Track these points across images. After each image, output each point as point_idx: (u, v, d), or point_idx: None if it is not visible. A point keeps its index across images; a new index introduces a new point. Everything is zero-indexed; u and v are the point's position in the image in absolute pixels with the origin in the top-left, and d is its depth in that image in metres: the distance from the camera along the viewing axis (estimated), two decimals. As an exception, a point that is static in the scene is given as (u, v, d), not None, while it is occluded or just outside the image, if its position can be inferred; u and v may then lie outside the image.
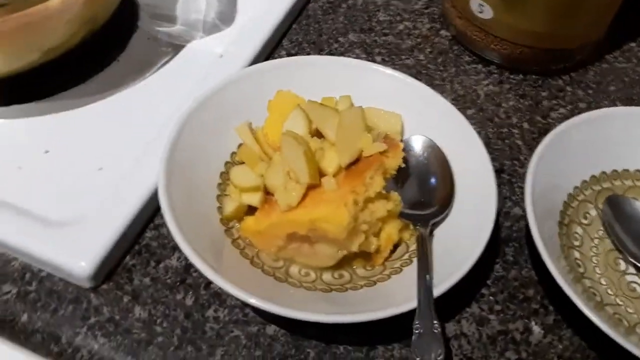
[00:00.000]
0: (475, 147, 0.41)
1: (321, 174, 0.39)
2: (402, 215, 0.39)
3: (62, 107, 0.45)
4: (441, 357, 0.31)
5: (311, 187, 0.38)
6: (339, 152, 0.38)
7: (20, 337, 0.37)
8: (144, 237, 0.41)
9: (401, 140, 0.43)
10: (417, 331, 0.32)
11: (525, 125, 0.50)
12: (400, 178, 0.41)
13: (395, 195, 0.40)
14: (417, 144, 0.43)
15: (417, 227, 0.39)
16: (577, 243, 0.42)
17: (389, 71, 0.45)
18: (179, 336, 0.37)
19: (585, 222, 0.43)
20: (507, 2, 0.49)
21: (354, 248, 0.37)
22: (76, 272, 0.37)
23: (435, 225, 0.40)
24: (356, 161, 0.39)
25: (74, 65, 0.45)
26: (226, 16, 0.53)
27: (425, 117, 0.44)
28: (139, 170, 0.41)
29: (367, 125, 0.42)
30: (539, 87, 0.53)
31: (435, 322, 0.32)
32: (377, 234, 0.39)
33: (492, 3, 0.50)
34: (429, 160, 0.42)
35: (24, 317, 0.37)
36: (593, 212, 0.43)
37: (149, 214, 0.41)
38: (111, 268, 0.39)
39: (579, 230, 0.42)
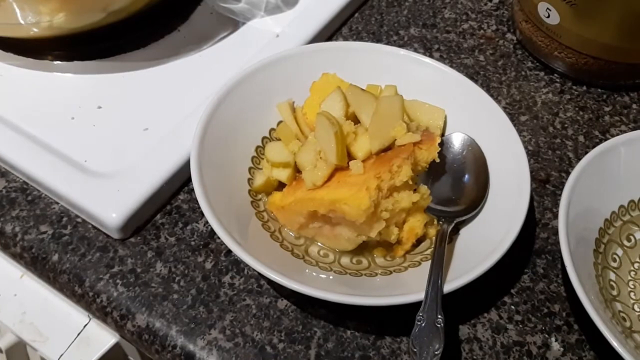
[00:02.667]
0: (516, 154, 0.40)
1: (351, 157, 0.39)
2: (427, 209, 0.39)
3: (119, 68, 0.47)
4: (439, 352, 0.30)
5: (339, 169, 0.38)
6: (371, 138, 0.38)
7: (50, 275, 0.40)
8: (177, 198, 0.42)
9: (442, 136, 0.42)
10: (419, 323, 0.32)
11: (581, 138, 0.48)
12: (433, 173, 0.40)
13: (423, 188, 0.39)
14: (458, 141, 0.42)
15: (441, 222, 0.38)
16: (614, 264, 0.39)
17: (438, 65, 0.44)
18: (193, 296, 0.38)
19: (627, 244, 0.40)
20: (577, 9, 0.47)
21: (372, 234, 0.36)
22: (107, 222, 0.39)
23: (462, 224, 0.39)
24: (388, 149, 0.39)
25: (136, 29, 0.47)
26: (290, -1, 0.53)
27: (470, 116, 0.43)
28: (179, 135, 0.42)
29: (406, 115, 0.42)
30: (602, 101, 0.50)
31: (439, 316, 0.32)
32: (400, 225, 0.38)
33: (560, 8, 0.48)
34: (466, 158, 0.41)
35: (55, 257, 0.39)
36: (638, 235, 0.41)
37: (185, 177, 0.42)
38: (141, 223, 0.41)
39: (619, 251, 0.40)
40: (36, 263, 0.40)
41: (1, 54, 0.48)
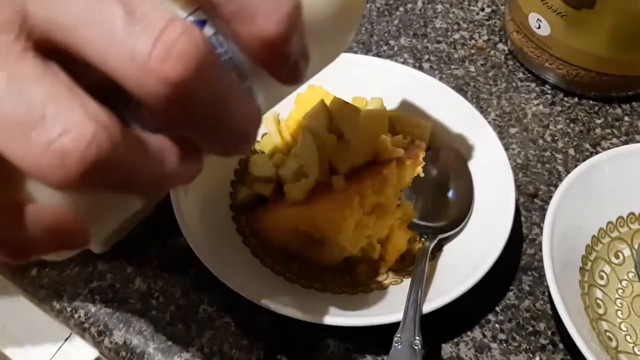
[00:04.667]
0: (502, 169, 0.39)
1: (334, 171, 0.38)
2: (411, 225, 0.38)
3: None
4: (416, 375, 0.30)
5: (322, 185, 0.38)
6: (354, 152, 0.38)
7: (29, 289, 0.39)
8: (158, 213, 0.42)
9: (427, 150, 0.42)
10: (396, 344, 0.31)
11: (571, 151, 0.47)
12: (418, 188, 0.40)
13: (407, 204, 0.38)
14: (443, 156, 0.41)
15: (423, 239, 0.37)
16: (601, 282, 0.39)
17: (425, 78, 0.44)
18: (172, 312, 0.37)
19: (616, 261, 0.40)
20: (567, 20, 0.46)
21: (354, 250, 0.36)
22: (86, 236, 0.38)
23: (447, 240, 0.38)
24: (372, 164, 0.38)
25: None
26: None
27: (457, 130, 0.42)
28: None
29: (392, 129, 0.41)
30: (593, 114, 0.50)
31: (417, 338, 0.31)
32: (383, 241, 0.38)
33: (550, 19, 0.47)
34: (451, 173, 0.40)
35: (34, 271, 0.39)
36: (627, 252, 0.40)
37: (166, 192, 0.42)
38: (122, 238, 0.40)
39: (607, 269, 0.39)
40: (16, 277, 0.39)
41: None
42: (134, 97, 0.17)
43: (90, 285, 0.38)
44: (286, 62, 0.19)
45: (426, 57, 0.53)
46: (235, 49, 0.20)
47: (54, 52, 0.17)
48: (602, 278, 0.39)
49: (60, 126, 0.16)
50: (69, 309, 0.38)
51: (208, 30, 0.19)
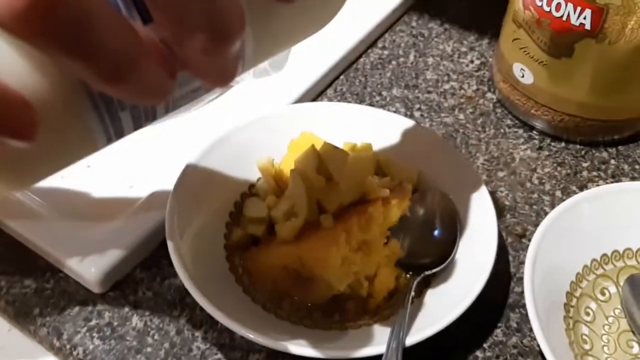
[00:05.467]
0: (486, 210, 0.40)
1: (323, 211, 0.40)
2: (397, 262, 0.39)
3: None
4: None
5: (311, 224, 0.39)
6: (342, 192, 0.39)
7: (30, 328, 0.41)
8: (157, 252, 0.43)
9: (415, 191, 0.43)
10: (379, 376, 0.32)
11: (558, 193, 0.48)
12: (405, 227, 0.41)
13: (394, 242, 0.40)
14: (430, 197, 0.43)
15: (408, 276, 0.38)
16: (587, 318, 0.39)
17: (414, 124, 0.46)
18: (166, 350, 0.38)
19: (602, 298, 0.40)
20: (548, 68, 0.48)
21: (341, 287, 0.37)
22: (87, 277, 0.40)
23: (433, 277, 0.39)
24: (360, 203, 0.40)
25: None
26: (277, 63, 0.56)
27: (443, 173, 0.44)
28: (164, 193, 0.44)
29: (381, 172, 0.43)
30: (580, 157, 0.51)
31: (400, 369, 0.32)
32: (371, 279, 0.39)
33: (532, 68, 0.49)
34: (438, 213, 0.42)
35: (36, 311, 0.40)
36: (612, 289, 0.41)
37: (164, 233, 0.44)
38: (120, 278, 0.42)
39: (593, 305, 0.40)
40: (19, 317, 0.41)
41: None
42: None
43: (89, 323, 0.40)
44: None
45: (417, 106, 0.55)
46: None
47: None
48: (588, 314, 0.39)
49: None
50: (68, 347, 0.39)
51: None
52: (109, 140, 0.23)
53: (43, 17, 0.15)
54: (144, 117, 0.23)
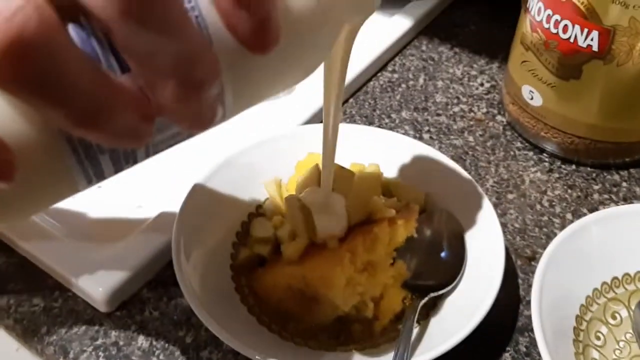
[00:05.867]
0: (493, 232, 0.40)
1: (328, 232, 0.40)
2: (403, 284, 0.39)
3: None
4: None
5: (317, 244, 0.39)
6: (348, 212, 0.39)
7: (38, 347, 0.41)
8: (163, 273, 0.44)
9: (422, 212, 0.43)
10: (382, 398, 0.31)
11: (569, 216, 0.48)
12: (412, 248, 0.41)
13: (400, 263, 0.39)
14: (437, 218, 0.43)
15: (414, 297, 0.38)
16: (598, 343, 0.38)
17: (421, 146, 0.46)
18: (171, 370, 0.38)
19: (612, 322, 0.40)
20: (557, 90, 0.48)
21: (346, 308, 0.37)
22: (94, 296, 0.40)
23: (439, 299, 0.39)
24: (366, 223, 0.40)
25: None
26: (287, 86, 0.57)
27: (451, 195, 0.44)
28: (172, 213, 0.44)
29: (388, 193, 0.43)
30: (591, 180, 0.51)
31: (403, 391, 0.31)
32: (377, 300, 0.39)
33: (541, 91, 0.49)
34: (445, 235, 0.42)
35: (44, 329, 0.41)
36: (624, 313, 0.40)
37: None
38: (127, 297, 0.42)
39: (604, 329, 0.39)
40: (26, 335, 0.41)
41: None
42: None
43: (95, 342, 0.40)
44: (250, 20, 0.19)
45: (426, 128, 0.55)
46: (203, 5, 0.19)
47: None
48: (598, 339, 0.38)
49: None
50: (73, 366, 0.39)
51: None
52: (90, 182, 0.23)
53: (13, 65, 0.16)
54: (124, 161, 0.23)
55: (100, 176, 0.23)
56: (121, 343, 0.40)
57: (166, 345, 0.40)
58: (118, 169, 0.24)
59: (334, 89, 0.33)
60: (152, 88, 0.19)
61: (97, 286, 0.40)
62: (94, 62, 0.19)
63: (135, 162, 0.24)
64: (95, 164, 0.22)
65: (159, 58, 0.18)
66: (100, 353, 0.39)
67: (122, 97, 0.19)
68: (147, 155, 0.24)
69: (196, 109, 0.20)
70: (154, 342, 0.40)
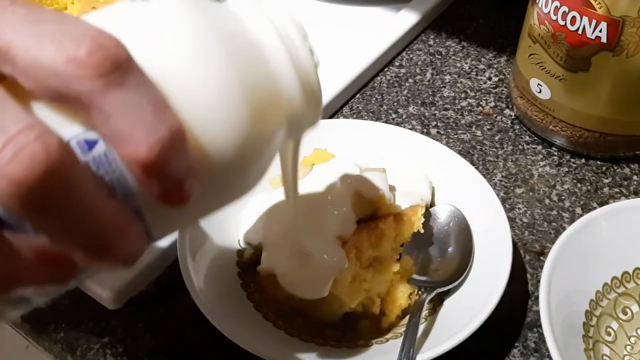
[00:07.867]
0: (501, 226, 0.40)
1: (333, 228, 0.39)
2: (410, 279, 0.39)
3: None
4: None
5: (322, 240, 0.39)
6: (353, 208, 0.39)
7: (45, 345, 0.41)
8: (170, 270, 0.44)
9: (429, 207, 0.43)
10: (388, 394, 0.31)
11: (578, 210, 0.47)
12: (419, 243, 0.41)
13: (407, 259, 0.39)
14: (444, 213, 0.42)
15: (420, 292, 0.38)
16: (609, 338, 0.38)
17: (428, 140, 0.46)
18: (178, 367, 0.38)
19: (623, 317, 0.39)
20: (566, 83, 0.48)
21: (352, 304, 0.37)
22: (101, 293, 0.40)
23: (446, 295, 0.39)
24: (371, 219, 0.40)
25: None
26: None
27: (458, 189, 0.44)
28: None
29: (393, 188, 0.43)
30: (601, 174, 0.50)
31: (409, 387, 0.31)
32: (384, 296, 0.38)
33: (550, 84, 0.49)
34: (452, 230, 0.41)
35: (52, 326, 0.41)
36: (635, 308, 0.39)
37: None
38: (134, 294, 0.42)
39: (614, 325, 0.39)
40: (34, 332, 0.41)
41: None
42: None
43: (102, 340, 0.40)
44: (162, 183, 0.20)
45: (434, 123, 0.55)
46: (122, 168, 0.20)
47: None
48: (609, 334, 0.38)
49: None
50: (81, 363, 0.39)
51: (99, 148, 0.20)
52: None
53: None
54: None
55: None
56: (127, 340, 0.40)
57: (173, 342, 0.40)
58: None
59: (289, 173, 0.33)
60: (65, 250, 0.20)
61: (104, 283, 0.41)
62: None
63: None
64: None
65: (71, 235, 0.19)
66: (107, 350, 0.39)
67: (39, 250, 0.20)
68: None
69: (112, 264, 0.21)
70: (160, 340, 0.40)
